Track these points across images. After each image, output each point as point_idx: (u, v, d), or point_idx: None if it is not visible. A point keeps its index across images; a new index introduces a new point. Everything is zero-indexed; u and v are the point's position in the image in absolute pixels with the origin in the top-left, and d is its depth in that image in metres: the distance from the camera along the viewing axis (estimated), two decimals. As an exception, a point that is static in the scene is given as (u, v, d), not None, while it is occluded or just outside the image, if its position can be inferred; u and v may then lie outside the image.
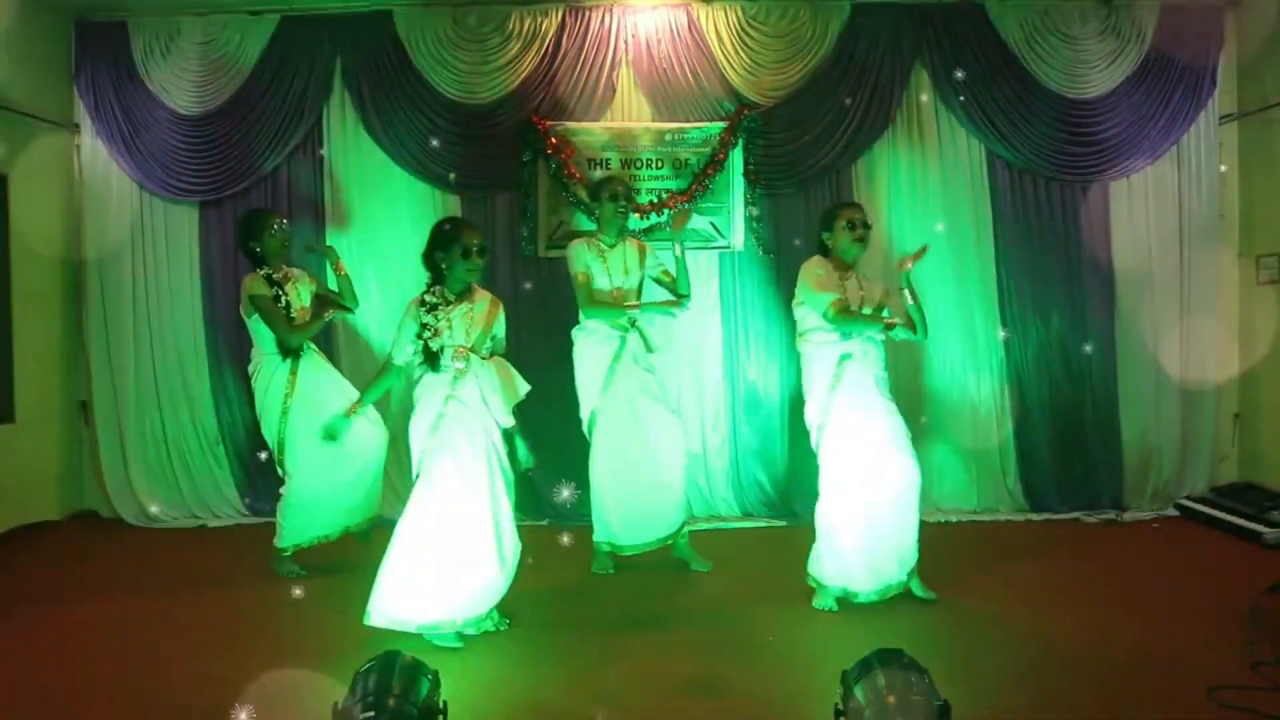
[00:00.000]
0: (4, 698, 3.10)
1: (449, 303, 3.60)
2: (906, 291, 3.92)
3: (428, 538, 3.47)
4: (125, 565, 4.74)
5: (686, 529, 4.58)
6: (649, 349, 4.46)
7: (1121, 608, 3.88)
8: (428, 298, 3.60)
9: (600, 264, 4.42)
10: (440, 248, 3.59)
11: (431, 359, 3.55)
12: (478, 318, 3.61)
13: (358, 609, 3.54)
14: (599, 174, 5.50)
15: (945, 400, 5.57)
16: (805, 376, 4.02)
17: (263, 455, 4.56)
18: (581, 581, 4.40)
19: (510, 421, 3.61)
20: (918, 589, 3.95)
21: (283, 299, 4.47)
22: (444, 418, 3.54)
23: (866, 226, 3.98)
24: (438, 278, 3.62)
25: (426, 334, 3.54)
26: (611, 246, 4.47)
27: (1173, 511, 5.51)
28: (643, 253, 4.54)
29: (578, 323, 4.41)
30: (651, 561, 4.53)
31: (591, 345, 4.44)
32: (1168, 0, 5.51)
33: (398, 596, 3.47)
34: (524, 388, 3.67)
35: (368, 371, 4.85)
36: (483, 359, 3.60)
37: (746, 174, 5.55)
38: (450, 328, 3.55)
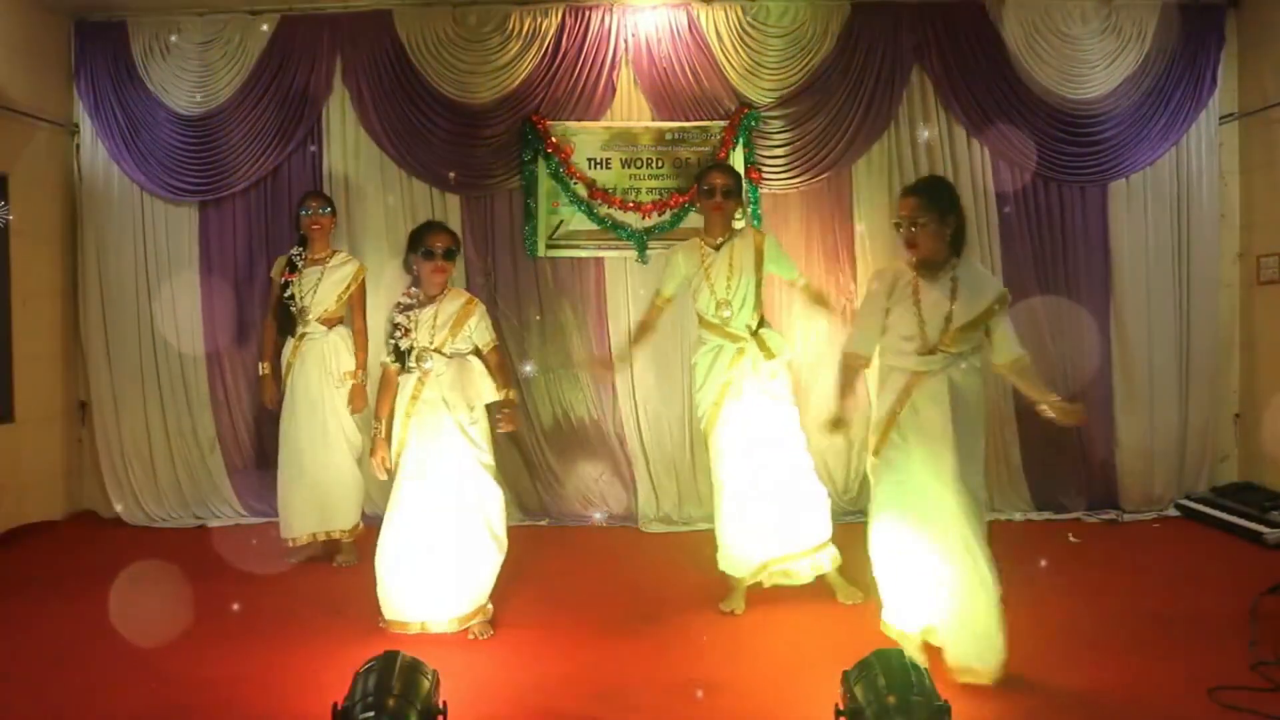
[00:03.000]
0: (4, 697, 3.10)
1: (421, 304, 3.73)
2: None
3: (401, 538, 3.61)
4: (125, 565, 4.73)
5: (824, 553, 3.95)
6: (770, 354, 3.89)
7: (1122, 608, 3.88)
8: (402, 299, 3.76)
9: (701, 272, 3.89)
10: (410, 249, 3.76)
11: (400, 358, 3.68)
12: (444, 319, 3.70)
13: (355, 607, 3.54)
14: (600, 173, 5.53)
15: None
16: None
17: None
18: (582, 582, 4.39)
19: (471, 420, 3.67)
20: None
21: (290, 287, 4.63)
22: (409, 418, 3.66)
23: (913, 225, 3.18)
24: (415, 280, 3.77)
25: (397, 334, 3.69)
26: (717, 248, 3.92)
27: (1173, 511, 5.51)
28: (759, 249, 3.89)
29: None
30: (652, 562, 4.53)
31: (703, 356, 3.96)
32: (1168, 0, 5.52)
33: (392, 596, 3.61)
34: (488, 392, 3.74)
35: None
36: (447, 358, 3.67)
37: (747, 173, 5.55)
38: (418, 328, 3.67)
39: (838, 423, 3.33)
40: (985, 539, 3.10)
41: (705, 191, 3.91)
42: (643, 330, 4.21)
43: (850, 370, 3.41)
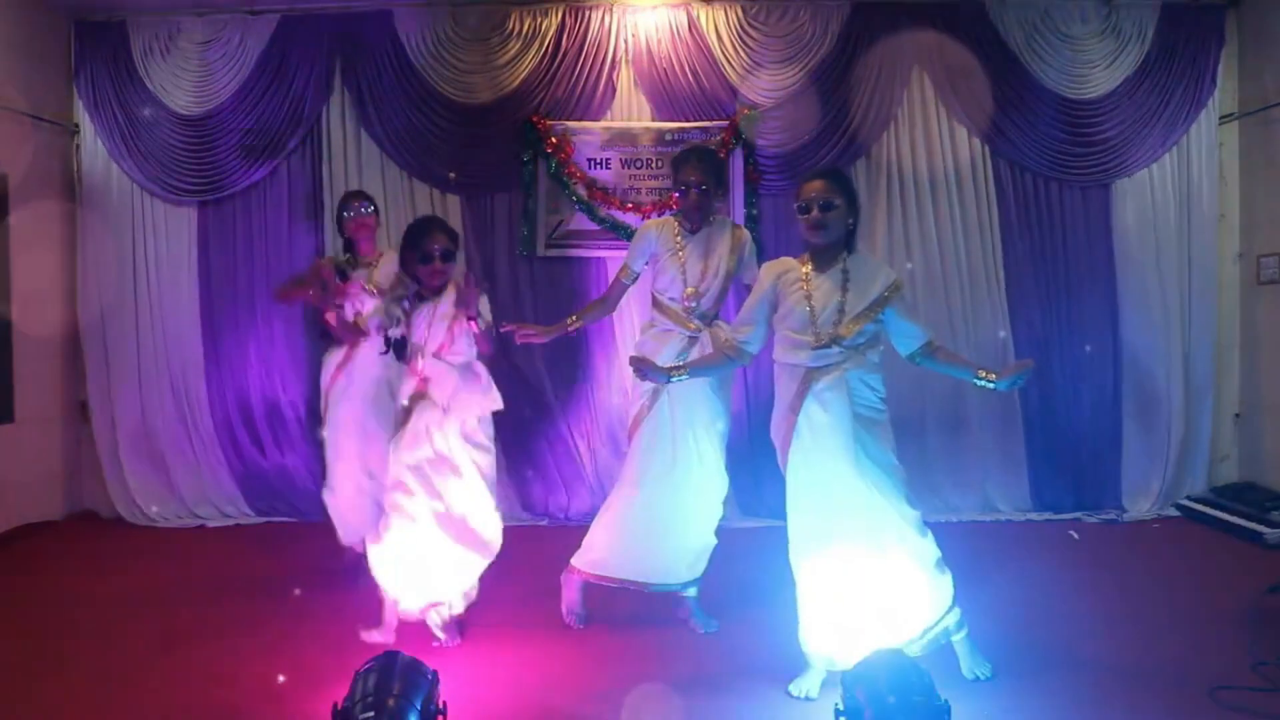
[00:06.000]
0: (4, 697, 3.10)
1: (420, 300, 3.51)
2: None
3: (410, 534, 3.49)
4: (125, 566, 4.74)
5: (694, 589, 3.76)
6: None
7: (1122, 608, 3.88)
8: (399, 288, 3.54)
9: (674, 256, 3.63)
10: (406, 248, 3.51)
11: (391, 348, 3.50)
12: (442, 316, 3.48)
13: (356, 607, 3.53)
14: (598, 174, 5.53)
15: (949, 400, 5.56)
16: None
17: None
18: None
19: (472, 427, 3.52)
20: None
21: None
22: (411, 417, 3.49)
23: (824, 208, 2.99)
24: (414, 279, 3.54)
25: (389, 322, 3.48)
26: (693, 232, 3.66)
27: (1173, 511, 5.51)
28: (738, 243, 3.67)
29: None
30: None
31: (650, 339, 3.68)
32: (1168, 0, 5.52)
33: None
34: (492, 403, 3.57)
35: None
36: (449, 366, 3.48)
37: (747, 174, 5.54)
38: (414, 327, 3.48)
39: (645, 365, 3.20)
40: (917, 520, 3.03)
41: (679, 188, 3.67)
42: (600, 305, 3.99)
43: (719, 355, 3.30)
